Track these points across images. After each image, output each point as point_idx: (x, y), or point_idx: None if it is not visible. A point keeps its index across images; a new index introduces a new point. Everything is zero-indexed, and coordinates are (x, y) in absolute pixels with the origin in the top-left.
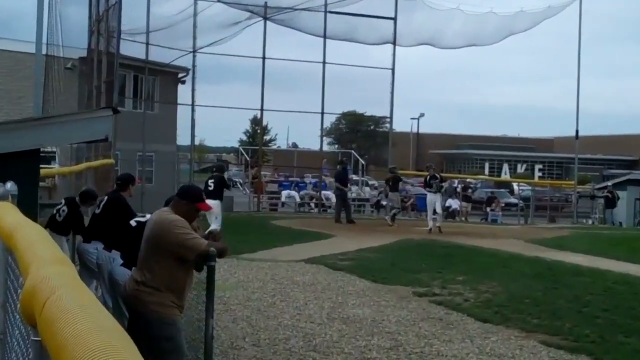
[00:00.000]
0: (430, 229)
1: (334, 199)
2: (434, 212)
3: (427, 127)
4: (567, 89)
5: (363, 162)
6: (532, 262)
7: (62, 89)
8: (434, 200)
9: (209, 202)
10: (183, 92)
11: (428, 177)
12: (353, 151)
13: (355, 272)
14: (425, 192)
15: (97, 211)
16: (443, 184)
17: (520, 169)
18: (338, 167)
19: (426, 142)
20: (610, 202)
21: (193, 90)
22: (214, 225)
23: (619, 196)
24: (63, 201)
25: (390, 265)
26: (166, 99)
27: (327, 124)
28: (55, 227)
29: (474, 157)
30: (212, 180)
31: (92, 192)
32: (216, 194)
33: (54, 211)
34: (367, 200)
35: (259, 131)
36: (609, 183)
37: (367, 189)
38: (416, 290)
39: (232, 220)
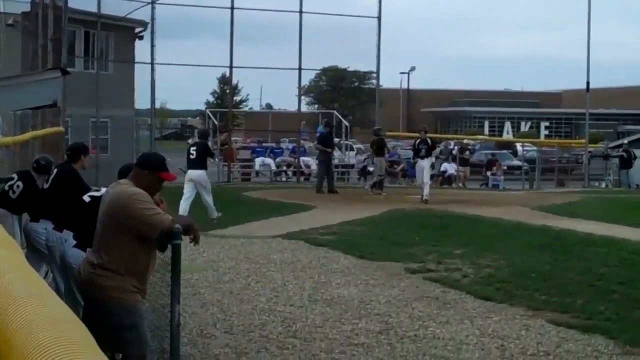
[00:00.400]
0: (424, 198)
1: (314, 166)
2: (423, 180)
3: (419, 82)
4: (577, 36)
5: (347, 124)
6: (539, 232)
7: (2, 49)
8: (422, 167)
9: (192, 172)
10: (141, 49)
11: (417, 142)
12: (335, 111)
13: (340, 248)
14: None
15: (46, 186)
16: (434, 151)
17: (524, 127)
18: (322, 128)
19: (418, 100)
20: (626, 162)
21: (152, 46)
22: (208, 198)
23: (635, 155)
24: (15, 176)
25: (378, 239)
26: (122, 57)
27: (306, 81)
28: (8, 205)
29: (472, 115)
30: (195, 148)
31: (49, 160)
32: (201, 163)
33: (6, 187)
34: (352, 166)
35: (228, 91)
36: (624, 141)
37: (352, 153)
38: (408, 266)
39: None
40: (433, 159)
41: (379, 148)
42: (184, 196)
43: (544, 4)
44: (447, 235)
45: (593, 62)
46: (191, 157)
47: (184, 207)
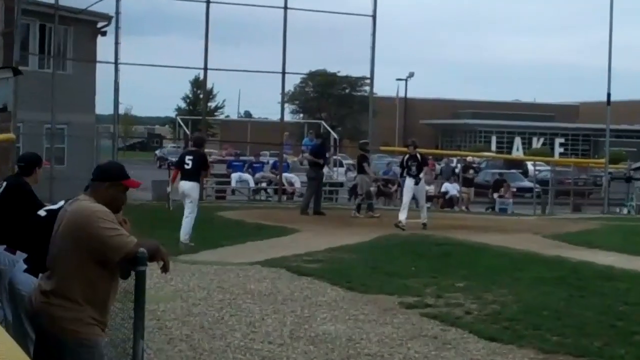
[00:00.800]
0: (399, 223)
1: (298, 185)
2: (417, 203)
3: (418, 91)
4: (597, 41)
5: (335, 136)
6: (552, 264)
7: None
8: (411, 188)
9: (185, 183)
10: (104, 46)
11: (406, 158)
12: (323, 122)
13: (326, 278)
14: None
15: None
16: (425, 168)
17: (537, 143)
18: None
19: (417, 110)
20: None
21: (117, 44)
22: (188, 212)
23: None
24: None
25: (370, 269)
26: (82, 55)
27: (290, 87)
28: None
29: (478, 129)
30: (191, 158)
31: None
32: (195, 175)
33: None
34: (341, 184)
35: (201, 97)
36: None
37: (341, 170)
38: (404, 300)
39: (167, 212)
40: (425, 177)
41: (359, 164)
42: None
43: (561, 3)
44: (448, 265)
45: (615, 70)
46: (186, 167)
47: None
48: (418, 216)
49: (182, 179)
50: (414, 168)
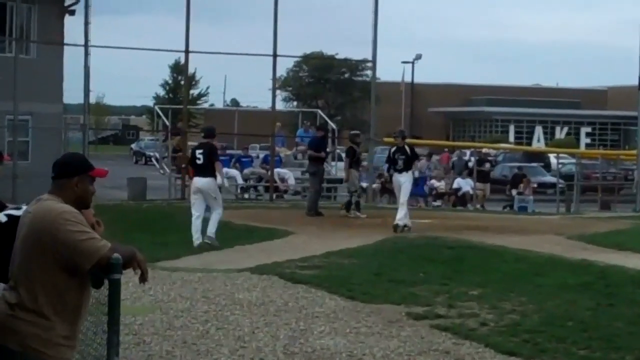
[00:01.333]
0: (397, 225)
1: (291, 181)
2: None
3: (427, 75)
4: (627, 18)
5: (334, 126)
6: (578, 268)
7: None
8: (399, 183)
9: (200, 180)
10: (72, 27)
11: (393, 150)
12: (319, 110)
13: (324, 286)
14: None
15: None
16: (415, 163)
17: (560, 133)
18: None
19: (425, 97)
20: None
21: (87, 24)
22: (217, 212)
23: None
24: None
25: (373, 276)
26: (48, 37)
27: (282, 71)
28: None
29: (494, 118)
30: (201, 151)
31: None
32: (209, 169)
33: None
34: (340, 181)
35: (182, 83)
36: None
37: (340, 164)
38: (411, 310)
39: (145, 213)
40: (415, 174)
41: (347, 157)
42: (194, 214)
43: None
44: (461, 271)
45: None
46: (198, 162)
47: (197, 225)
48: (426, 216)
49: (196, 175)
50: (400, 162)
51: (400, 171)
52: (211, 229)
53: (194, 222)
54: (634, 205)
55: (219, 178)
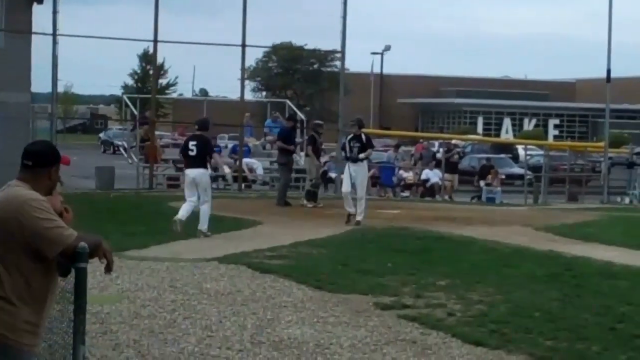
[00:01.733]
0: (349, 216)
1: (260, 171)
2: (355, 192)
3: (396, 66)
4: (596, 10)
5: (303, 117)
6: (545, 259)
7: None
8: (352, 173)
9: (193, 171)
10: (40, 15)
11: (349, 138)
12: (288, 101)
13: (292, 276)
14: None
15: None
16: (367, 151)
17: (528, 125)
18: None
19: (394, 88)
20: None
21: (55, 13)
22: (207, 205)
23: None
24: None
25: (341, 266)
26: (14, 26)
27: (251, 62)
28: None
29: (462, 109)
30: (195, 143)
31: None
32: (202, 161)
33: None
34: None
35: (151, 72)
36: None
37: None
38: (379, 300)
39: (111, 202)
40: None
41: (309, 146)
42: (188, 198)
43: None
44: (429, 261)
45: (616, 43)
46: (190, 153)
47: (187, 207)
48: (394, 207)
49: (188, 166)
50: (356, 150)
51: (355, 160)
52: (203, 225)
53: (187, 203)
54: (601, 197)
55: (225, 168)
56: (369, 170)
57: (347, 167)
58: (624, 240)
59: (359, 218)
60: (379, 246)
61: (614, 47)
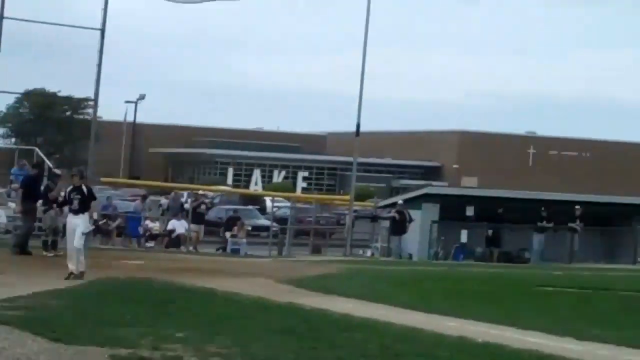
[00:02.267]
0: (71, 273)
1: (3, 219)
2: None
3: (150, 115)
4: (349, 64)
5: (50, 165)
6: (284, 312)
7: None
8: (74, 226)
9: (72, 219)
10: None
11: (69, 189)
12: (37, 148)
13: (28, 327)
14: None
15: None
16: (92, 206)
17: (278, 177)
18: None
19: (148, 137)
20: (398, 226)
21: None
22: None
23: (411, 217)
24: None
25: (79, 317)
26: None
27: (2, 107)
28: None
29: (215, 160)
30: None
31: None
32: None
33: None
34: None
35: None
36: (399, 200)
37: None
38: (116, 352)
39: None
40: (95, 215)
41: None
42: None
43: (316, 23)
44: (169, 313)
45: (366, 98)
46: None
47: None
48: (138, 257)
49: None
50: (76, 202)
51: (76, 212)
52: None
53: None
54: (344, 249)
55: None
56: (114, 219)
57: (68, 219)
58: (363, 292)
59: (82, 269)
60: (120, 297)
61: (364, 102)
